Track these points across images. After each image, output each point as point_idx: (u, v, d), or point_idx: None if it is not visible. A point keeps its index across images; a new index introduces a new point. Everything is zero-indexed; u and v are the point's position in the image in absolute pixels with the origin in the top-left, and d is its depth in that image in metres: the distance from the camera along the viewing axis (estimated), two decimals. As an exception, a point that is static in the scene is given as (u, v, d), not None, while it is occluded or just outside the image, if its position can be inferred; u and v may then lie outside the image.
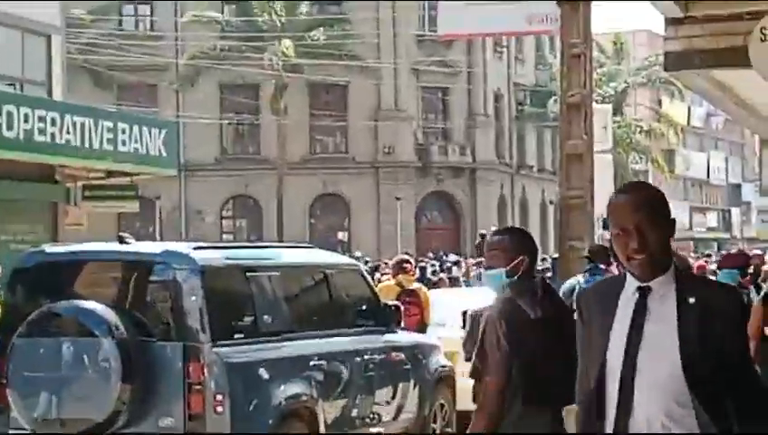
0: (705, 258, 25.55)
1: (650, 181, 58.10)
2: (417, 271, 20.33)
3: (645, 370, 3.43)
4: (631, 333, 3.46)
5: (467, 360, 6.00)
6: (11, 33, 20.41)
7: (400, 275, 12.42)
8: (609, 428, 3.47)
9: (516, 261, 5.07)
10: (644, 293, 3.50)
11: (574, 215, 9.69)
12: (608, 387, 3.47)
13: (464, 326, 6.09)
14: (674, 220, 3.61)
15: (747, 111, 13.57)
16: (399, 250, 35.42)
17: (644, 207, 3.51)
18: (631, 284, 3.53)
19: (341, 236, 47.53)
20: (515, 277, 5.04)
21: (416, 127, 48.92)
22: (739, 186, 76.64)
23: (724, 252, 28.74)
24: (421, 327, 11.89)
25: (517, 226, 33.17)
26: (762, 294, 8.48)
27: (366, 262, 28.33)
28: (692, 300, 3.47)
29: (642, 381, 3.43)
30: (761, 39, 9.46)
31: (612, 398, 3.47)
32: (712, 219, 74.87)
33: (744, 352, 3.54)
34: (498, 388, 4.78)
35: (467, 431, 5.01)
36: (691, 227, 68.55)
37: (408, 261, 13.10)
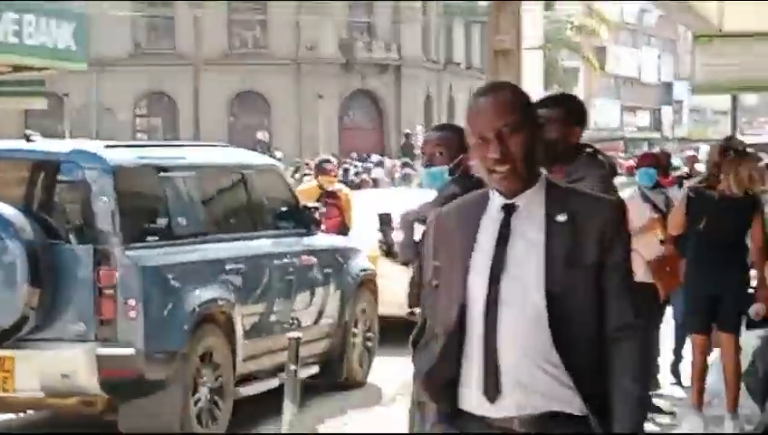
0: (633, 159, 25.86)
1: (581, 79, 58.41)
2: (341, 172, 20.31)
3: (512, 302, 3.04)
4: (495, 259, 3.06)
5: (404, 264, 5.94)
6: None
7: (321, 177, 12.42)
8: (476, 368, 3.07)
9: (459, 158, 5.04)
10: (509, 211, 3.12)
11: (501, 113, 9.69)
12: (470, 323, 3.09)
13: (382, 228, 5.98)
14: (541, 124, 3.23)
15: (680, 5, 13.60)
16: (322, 150, 35.36)
17: (505, 111, 3.10)
18: (495, 201, 3.15)
19: (261, 135, 47.26)
20: (457, 175, 5.02)
21: (339, 22, 48.51)
22: (671, 84, 77.35)
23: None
24: (343, 230, 11.93)
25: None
26: (684, 192, 8.59)
27: (296, 163, 28.28)
28: (562, 218, 3.07)
29: (510, 315, 3.03)
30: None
31: (475, 336, 3.07)
32: (643, 118, 75.62)
33: (624, 276, 3.11)
34: None
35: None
36: (621, 127, 69.24)
37: (328, 161, 13.10)
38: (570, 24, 51.95)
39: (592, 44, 56.18)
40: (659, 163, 10.12)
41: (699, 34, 14.17)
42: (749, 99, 58.64)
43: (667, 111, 77.20)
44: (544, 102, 5.17)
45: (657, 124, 76.53)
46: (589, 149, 5.20)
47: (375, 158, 34.22)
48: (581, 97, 61.76)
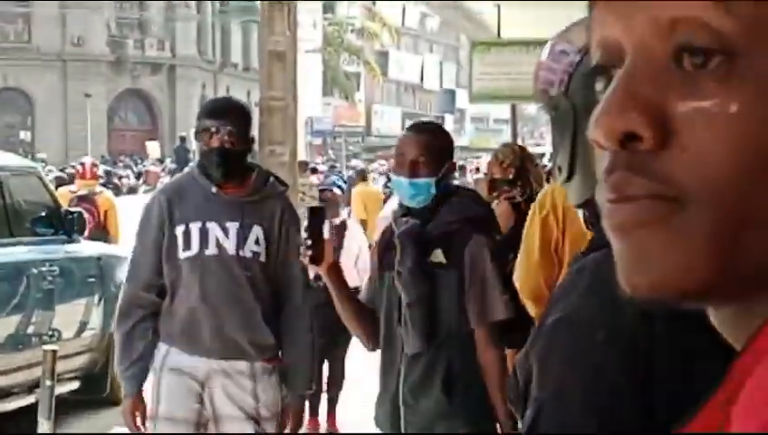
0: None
1: (362, 84, 58.99)
2: (105, 175, 20.05)
3: None
4: None
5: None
6: None
7: (78, 180, 12.39)
8: None
9: (445, 168, 4.06)
10: None
11: (275, 118, 9.69)
12: None
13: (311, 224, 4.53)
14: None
15: (459, 11, 13.96)
16: (89, 152, 34.71)
17: None
18: None
19: (24, 135, 46.17)
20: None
21: (108, 17, 47.75)
22: (453, 91, 78.93)
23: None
24: (100, 236, 11.74)
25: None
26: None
27: (63, 169, 27.65)
28: None
29: None
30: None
31: None
32: (425, 126, 76.83)
33: None
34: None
35: None
36: (403, 134, 70.22)
37: (82, 164, 13.13)
38: (351, 26, 52.49)
39: (374, 49, 56.91)
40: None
41: (477, 42, 14.53)
42: (530, 108, 60.53)
43: (449, 119, 78.76)
44: (215, 113, 4.60)
45: (438, 132, 77.84)
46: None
47: (150, 161, 33.81)
48: (363, 103, 62.30)
